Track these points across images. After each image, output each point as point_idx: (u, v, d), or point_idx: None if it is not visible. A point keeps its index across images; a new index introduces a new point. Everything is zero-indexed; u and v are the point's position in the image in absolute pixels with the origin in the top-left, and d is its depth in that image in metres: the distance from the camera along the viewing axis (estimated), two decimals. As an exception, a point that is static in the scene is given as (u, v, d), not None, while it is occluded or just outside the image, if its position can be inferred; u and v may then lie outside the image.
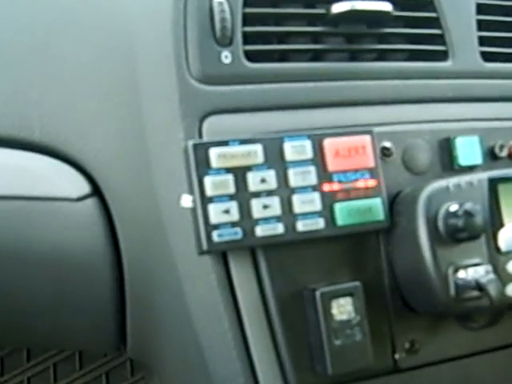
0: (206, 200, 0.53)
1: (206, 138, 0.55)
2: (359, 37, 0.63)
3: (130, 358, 1.18)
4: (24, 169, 0.64)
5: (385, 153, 0.60)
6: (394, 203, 0.58)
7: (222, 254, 0.55)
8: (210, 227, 0.52)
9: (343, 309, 0.55)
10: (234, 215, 0.53)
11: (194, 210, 0.53)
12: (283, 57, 0.60)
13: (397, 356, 0.59)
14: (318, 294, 0.55)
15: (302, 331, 0.56)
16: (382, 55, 0.64)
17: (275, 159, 0.55)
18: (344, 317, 0.55)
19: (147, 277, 0.62)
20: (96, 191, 0.63)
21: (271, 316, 0.56)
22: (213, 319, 0.56)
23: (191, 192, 0.53)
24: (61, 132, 0.63)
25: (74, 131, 0.63)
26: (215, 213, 0.52)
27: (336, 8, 0.59)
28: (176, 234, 0.57)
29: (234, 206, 0.53)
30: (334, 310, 0.55)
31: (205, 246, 0.52)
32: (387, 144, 0.60)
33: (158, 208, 0.58)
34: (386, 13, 0.60)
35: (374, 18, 0.62)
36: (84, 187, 0.63)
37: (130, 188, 0.61)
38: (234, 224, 0.53)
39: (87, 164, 0.63)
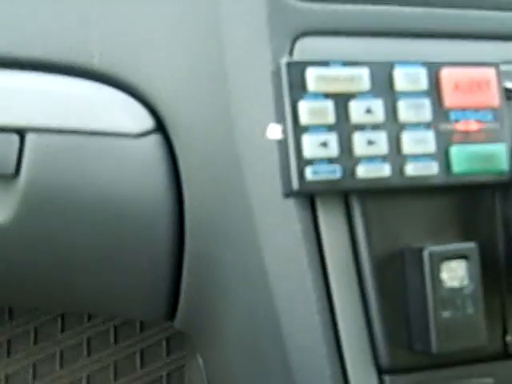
0: (299, 130, 0.43)
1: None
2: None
3: (166, 337, 1.10)
4: (79, 99, 0.55)
5: (509, 95, 0.50)
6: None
7: (309, 200, 0.46)
8: (304, 162, 0.43)
9: (455, 274, 0.46)
10: (333, 150, 0.43)
11: (283, 142, 0.44)
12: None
13: (508, 338, 0.49)
14: (426, 253, 0.45)
15: (400, 300, 0.47)
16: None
17: (383, 87, 0.45)
18: (455, 284, 0.45)
19: (213, 229, 0.53)
20: (159, 127, 0.54)
21: (364, 279, 0.46)
22: (294, 277, 0.47)
23: (281, 120, 0.44)
24: (123, 57, 0.54)
25: (137, 56, 0.54)
26: (310, 145, 0.43)
27: None
28: (255, 175, 0.47)
29: (332, 138, 0.43)
30: (444, 275, 0.45)
31: (295, 185, 0.43)
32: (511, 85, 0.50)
33: (234, 143, 0.48)
34: None
35: None
36: (146, 122, 0.54)
37: (201, 121, 0.51)
38: (331, 160, 0.43)
39: (151, 94, 0.54)
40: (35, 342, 1.05)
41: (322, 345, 0.46)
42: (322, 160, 0.43)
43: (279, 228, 0.47)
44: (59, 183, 0.54)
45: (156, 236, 0.55)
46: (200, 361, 0.76)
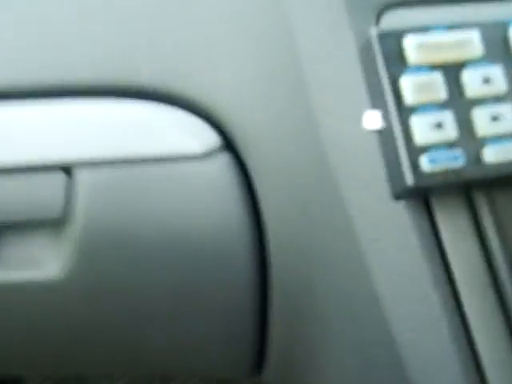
0: (405, 111, 0.35)
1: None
2: None
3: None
4: (131, 123, 0.48)
5: None
6: None
7: (423, 200, 0.37)
8: (417, 150, 0.34)
9: None
10: (450, 131, 0.35)
11: (386, 130, 0.35)
12: None
13: None
14: None
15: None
16: None
17: (499, 51, 0.37)
18: None
19: (304, 255, 0.44)
20: (227, 145, 0.47)
21: (503, 291, 0.37)
22: (415, 301, 0.37)
23: (379, 105, 0.35)
24: (174, 69, 0.47)
25: (192, 65, 0.47)
26: (422, 129, 0.34)
27: None
28: (351, 180, 0.39)
29: (448, 117, 0.35)
30: None
31: (410, 180, 0.34)
32: None
33: (320, 148, 0.40)
34: None
35: None
36: (211, 140, 0.46)
37: (276, 130, 0.43)
38: (450, 145, 0.35)
39: (213, 107, 0.46)
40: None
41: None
42: (438, 145, 0.34)
43: (389, 240, 0.38)
44: (119, 224, 0.47)
45: (235, 272, 0.47)
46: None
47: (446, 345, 0.36)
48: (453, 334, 0.36)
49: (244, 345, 0.53)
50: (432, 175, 0.34)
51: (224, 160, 0.46)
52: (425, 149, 0.34)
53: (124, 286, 0.49)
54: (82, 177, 0.46)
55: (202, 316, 0.51)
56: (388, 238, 0.38)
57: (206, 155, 0.46)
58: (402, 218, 0.37)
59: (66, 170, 0.47)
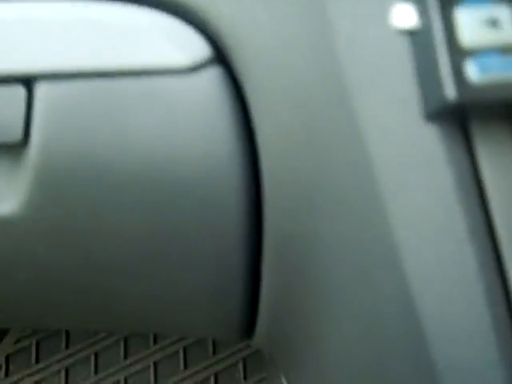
0: (449, 3, 0.26)
1: None
2: None
3: (242, 358, 0.94)
4: (106, 28, 0.39)
5: None
6: None
7: (461, 126, 0.28)
8: (462, 54, 0.25)
9: None
10: (507, 32, 0.26)
11: (422, 30, 0.26)
12: None
13: None
14: None
15: None
16: None
17: None
18: None
19: (304, 197, 0.36)
20: (219, 57, 0.38)
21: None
22: (445, 257, 0.29)
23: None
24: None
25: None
26: (470, 26, 0.26)
27: None
28: (372, 95, 0.30)
29: (503, 13, 0.26)
30: None
31: (451, 92, 0.25)
32: None
33: (334, 54, 0.31)
34: None
35: None
36: (200, 51, 0.38)
37: (281, 35, 0.35)
38: (506, 49, 0.26)
39: (207, 12, 0.37)
40: (96, 372, 0.92)
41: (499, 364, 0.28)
42: (491, 49, 0.26)
43: (415, 177, 0.29)
44: (85, 149, 0.39)
45: (224, 212, 0.39)
46: (284, 383, 0.59)
47: (481, 317, 0.28)
48: (490, 301, 0.28)
49: (233, 302, 0.45)
50: (481, 88, 0.25)
51: (214, 74, 0.37)
52: (473, 52, 0.25)
53: (91, 223, 0.41)
54: (44, 91, 0.38)
55: (183, 267, 0.43)
56: (413, 173, 0.29)
57: (193, 69, 0.37)
58: (432, 146, 0.29)
59: (27, 83, 0.38)
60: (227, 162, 0.37)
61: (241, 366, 0.94)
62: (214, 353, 0.94)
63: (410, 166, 0.29)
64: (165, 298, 0.45)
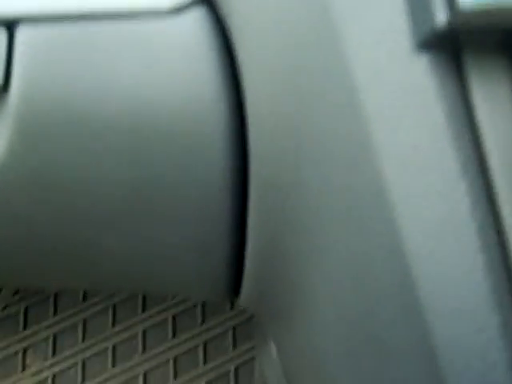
0: None
1: None
2: None
3: (232, 327, 0.93)
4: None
5: None
6: None
7: (453, 58, 0.27)
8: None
9: None
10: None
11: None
12: None
13: None
14: None
15: None
16: None
17: None
18: None
19: (289, 139, 0.35)
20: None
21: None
22: (438, 198, 0.28)
23: None
24: None
25: None
26: None
27: None
28: (358, 29, 0.29)
29: None
30: None
31: (443, 17, 0.24)
32: None
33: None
34: None
35: None
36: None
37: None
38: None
39: None
40: (83, 339, 0.91)
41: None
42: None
43: (404, 111, 0.28)
44: (66, 95, 0.37)
45: (208, 159, 0.37)
46: (273, 348, 0.58)
47: (473, 257, 0.27)
48: (483, 241, 0.27)
49: (218, 256, 0.44)
50: (474, 13, 0.24)
51: (198, 15, 0.36)
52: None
53: (72, 172, 0.39)
54: (26, 35, 0.36)
55: (168, 218, 0.42)
56: (402, 108, 0.28)
57: (177, 10, 0.36)
58: (424, 80, 0.27)
59: (9, 27, 0.37)
60: (212, 107, 0.36)
61: (230, 334, 0.93)
62: (203, 322, 0.93)
63: (400, 102, 0.28)
64: (150, 253, 0.44)
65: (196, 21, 0.36)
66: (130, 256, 0.45)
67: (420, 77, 0.27)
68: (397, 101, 0.28)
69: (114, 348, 0.92)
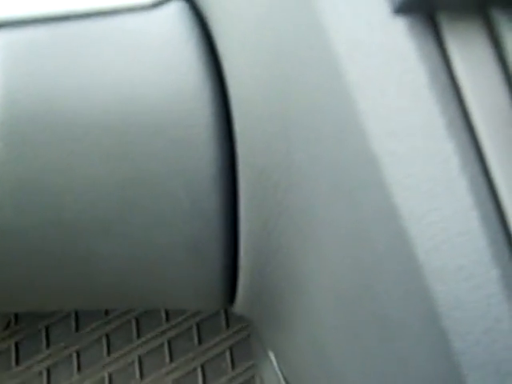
0: None
1: None
2: None
3: (230, 346, 0.93)
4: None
5: None
6: None
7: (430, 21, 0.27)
8: None
9: None
10: None
11: None
12: None
13: None
14: None
15: None
16: None
17: None
18: None
19: (277, 131, 0.35)
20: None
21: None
22: (429, 160, 0.28)
23: None
24: None
25: None
26: None
27: None
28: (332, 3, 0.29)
29: None
30: None
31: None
32: None
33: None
34: None
35: None
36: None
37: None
38: None
39: None
40: (79, 370, 0.89)
41: None
42: None
43: (385, 77, 0.28)
44: (49, 96, 0.37)
45: (196, 152, 0.37)
46: (272, 357, 0.58)
47: (468, 214, 0.27)
48: (476, 198, 0.27)
49: (211, 259, 0.43)
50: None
51: (176, 7, 0.36)
52: None
53: (59, 176, 0.39)
54: (6, 39, 0.36)
55: (158, 219, 0.41)
56: (385, 73, 0.28)
57: (155, 4, 0.36)
58: (402, 43, 0.27)
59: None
60: (196, 97, 0.36)
61: (228, 355, 0.92)
62: (200, 343, 0.92)
63: (382, 68, 0.28)
64: (143, 258, 0.44)
65: (176, 13, 0.36)
66: (124, 265, 0.44)
67: (399, 41, 0.27)
68: (379, 67, 0.28)
69: (110, 377, 0.90)
